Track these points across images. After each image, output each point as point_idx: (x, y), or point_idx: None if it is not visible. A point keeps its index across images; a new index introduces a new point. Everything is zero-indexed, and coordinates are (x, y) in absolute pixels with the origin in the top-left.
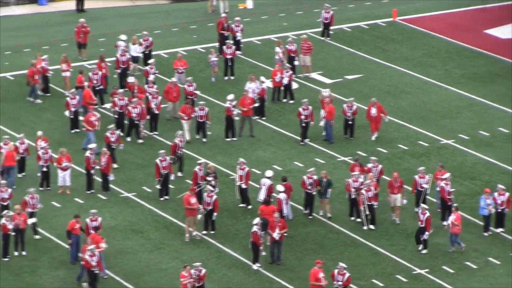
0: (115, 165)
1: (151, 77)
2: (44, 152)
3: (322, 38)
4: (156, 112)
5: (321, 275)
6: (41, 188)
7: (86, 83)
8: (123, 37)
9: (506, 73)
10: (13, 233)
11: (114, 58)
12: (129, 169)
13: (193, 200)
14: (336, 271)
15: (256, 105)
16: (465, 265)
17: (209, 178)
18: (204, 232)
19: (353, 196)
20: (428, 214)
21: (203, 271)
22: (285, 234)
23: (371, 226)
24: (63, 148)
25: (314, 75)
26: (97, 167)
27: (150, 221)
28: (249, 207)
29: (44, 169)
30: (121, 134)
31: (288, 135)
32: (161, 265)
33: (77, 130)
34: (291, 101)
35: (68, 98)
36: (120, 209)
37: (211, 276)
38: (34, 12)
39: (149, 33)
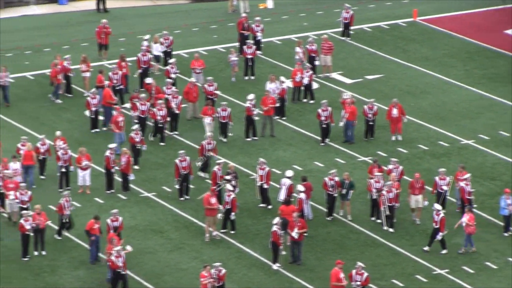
0: (136, 167)
1: (173, 76)
2: (64, 152)
3: (343, 38)
4: (177, 112)
5: (341, 275)
6: (60, 189)
7: (106, 82)
8: (147, 37)
9: None
10: (31, 234)
11: (135, 58)
12: (149, 169)
13: (213, 200)
14: (354, 271)
15: (277, 105)
16: (485, 265)
17: (227, 177)
18: (223, 230)
19: (374, 197)
20: (442, 214)
21: (223, 271)
22: (305, 234)
23: (390, 229)
24: (83, 147)
25: (335, 75)
26: (117, 167)
27: (170, 221)
28: (269, 207)
29: (63, 169)
30: (141, 137)
31: (308, 135)
32: (181, 265)
33: (97, 130)
34: (311, 101)
35: (88, 98)
36: (140, 209)
37: (231, 276)
38: (54, 11)
39: (169, 32)
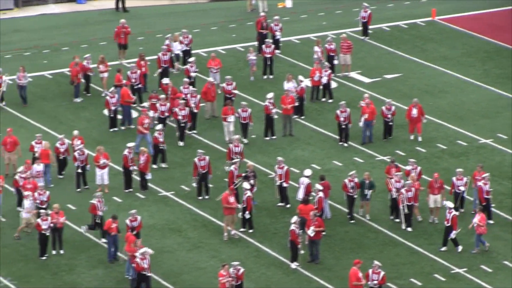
0: (164, 165)
1: (193, 74)
2: (80, 153)
3: (362, 38)
4: (195, 111)
5: (360, 275)
6: (78, 189)
7: (124, 81)
8: (169, 35)
9: None
10: (47, 233)
11: (155, 57)
12: (167, 167)
13: (232, 199)
14: (370, 270)
15: (296, 104)
16: (503, 265)
17: (243, 174)
18: (242, 229)
19: (394, 196)
20: (454, 212)
21: (242, 270)
22: (323, 233)
23: (408, 229)
24: (101, 146)
25: (353, 74)
26: (135, 167)
27: (188, 220)
28: (288, 206)
29: (79, 170)
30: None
31: (326, 134)
32: (199, 264)
33: (116, 129)
34: (330, 100)
35: (108, 97)
36: (158, 208)
37: (250, 275)
38: (72, 10)
39: (188, 31)
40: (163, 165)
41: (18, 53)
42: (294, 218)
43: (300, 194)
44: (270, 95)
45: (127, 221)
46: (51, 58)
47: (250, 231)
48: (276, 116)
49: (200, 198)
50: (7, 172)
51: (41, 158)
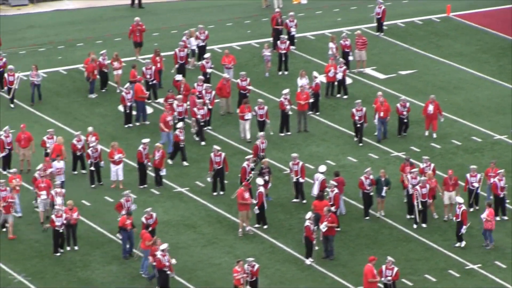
0: (185, 163)
1: (208, 71)
2: (94, 150)
3: (377, 34)
4: (210, 107)
5: (374, 271)
6: (92, 186)
7: (138, 77)
8: (187, 31)
9: None
10: (61, 230)
11: (170, 53)
12: (182, 163)
13: (247, 195)
14: (384, 266)
15: (311, 100)
16: None
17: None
18: (256, 225)
19: (410, 192)
20: (464, 207)
21: (256, 266)
22: (337, 229)
23: (423, 225)
24: (115, 142)
25: (368, 71)
26: (149, 163)
27: (203, 216)
28: (304, 201)
29: (92, 167)
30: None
31: (341, 130)
32: (214, 260)
33: (130, 125)
34: (345, 96)
35: (123, 93)
36: (173, 204)
37: (264, 271)
38: (87, 6)
39: (204, 27)
40: (185, 163)
41: (32, 49)
42: (309, 214)
43: (315, 190)
44: (286, 90)
45: (143, 219)
46: (65, 54)
47: (265, 227)
48: (291, 113)
49: (215, 194)
50: (22, 168)
51: (53, 153)
